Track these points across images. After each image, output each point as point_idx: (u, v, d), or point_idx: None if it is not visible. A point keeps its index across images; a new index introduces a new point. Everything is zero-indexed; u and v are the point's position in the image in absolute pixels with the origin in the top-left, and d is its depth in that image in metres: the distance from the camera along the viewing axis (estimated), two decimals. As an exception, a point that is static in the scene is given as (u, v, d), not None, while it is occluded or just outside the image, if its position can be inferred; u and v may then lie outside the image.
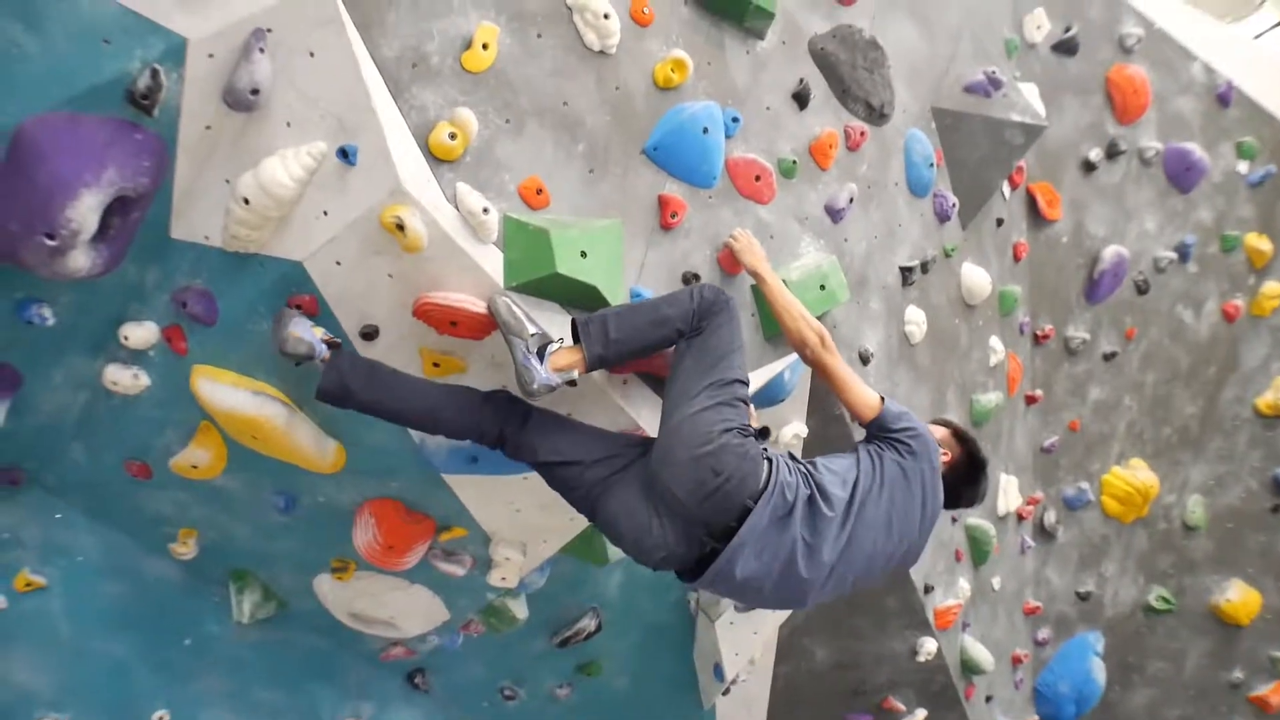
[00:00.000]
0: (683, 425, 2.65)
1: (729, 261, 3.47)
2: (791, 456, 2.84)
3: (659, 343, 2.85)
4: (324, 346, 2.86)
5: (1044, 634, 6.55)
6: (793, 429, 4.07)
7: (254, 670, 4.11)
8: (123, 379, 3.24)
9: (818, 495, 2.66)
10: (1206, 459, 6.98)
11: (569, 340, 2.87)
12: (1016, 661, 6.21)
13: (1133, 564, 6.98)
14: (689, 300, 2.83)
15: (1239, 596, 7.05)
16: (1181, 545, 7.07)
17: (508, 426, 2.97)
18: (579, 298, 3.02)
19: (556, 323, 2.97)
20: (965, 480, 3.00)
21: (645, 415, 3.30)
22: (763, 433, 2.91)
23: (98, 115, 2.62)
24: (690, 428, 2.64)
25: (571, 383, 2.80)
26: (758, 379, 3.63)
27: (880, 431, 2.87)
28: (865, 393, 2.92)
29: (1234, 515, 7.07)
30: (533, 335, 2.75)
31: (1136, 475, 6.66)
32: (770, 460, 2.68)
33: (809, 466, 2.78)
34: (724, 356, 2.78)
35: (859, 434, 3.08)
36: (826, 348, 2.95)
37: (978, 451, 3.03)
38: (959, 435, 3.06)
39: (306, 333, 2.83)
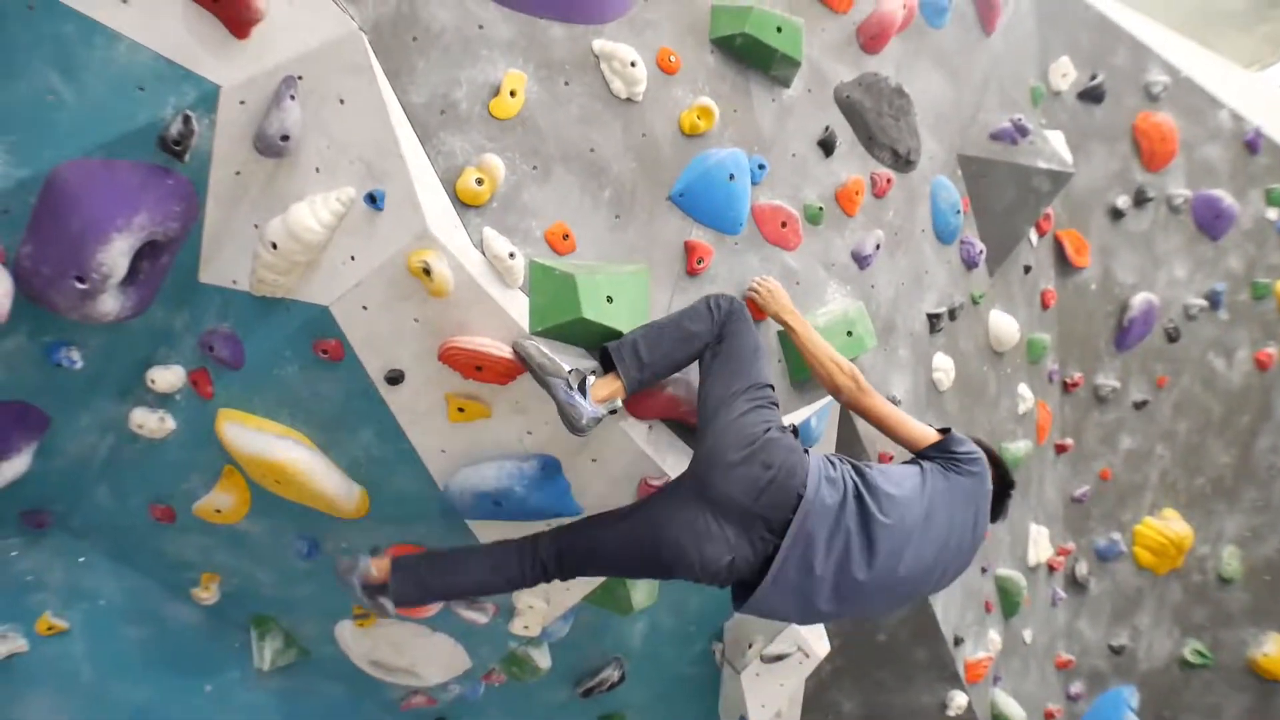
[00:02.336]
0: (728, 430, 2.75)
1: (755, 309, 3.46)
2: (834, 455, 2.93)
3: (688, 358, 2.95)
4: (366, 559, 3.16)
5: (1077, 688, 6.40)
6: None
7: (274, 718, 4.06)
8: (149, 422, 3.25)
9: (867, 494, 2.74)
10: (1241, 509, 6.84)
11: (600, 370, 2.92)
12: (1049, 717, 6.07)
13: (1167, 617, 6.83)
14: (709, 312, 2.94)
15: (1277, 650, 6.88)
16: (1217, 598, 6.91)
17: (551, 552, 3.06)
18: (604, 343, 3.01)
19: (581, 367, 2.96)
20: (996, 500, 3.07)
21: (670, 461, 3.28)
22: (794, 431, 2.95)
23: (130, 160, 2.65)
24: (735, 431, 2.74)
25: (613, 411, 2.84)
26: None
27: (942, 454, 2.93)
28: (919, 427, 3.01)
29: (1270, 567, 6.92)
30: (571, 372, 2.78)
31: (1170, 526, 6.53)
32: (808, 453, 2.79)
33: (859, 464, 2.87)
34: (750, 361, 2.88)
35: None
36: (862, 389, 3.03)
37: (1008, 474, 3.12)
38: (991, 457, 3.12)
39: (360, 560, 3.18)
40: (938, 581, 2.93)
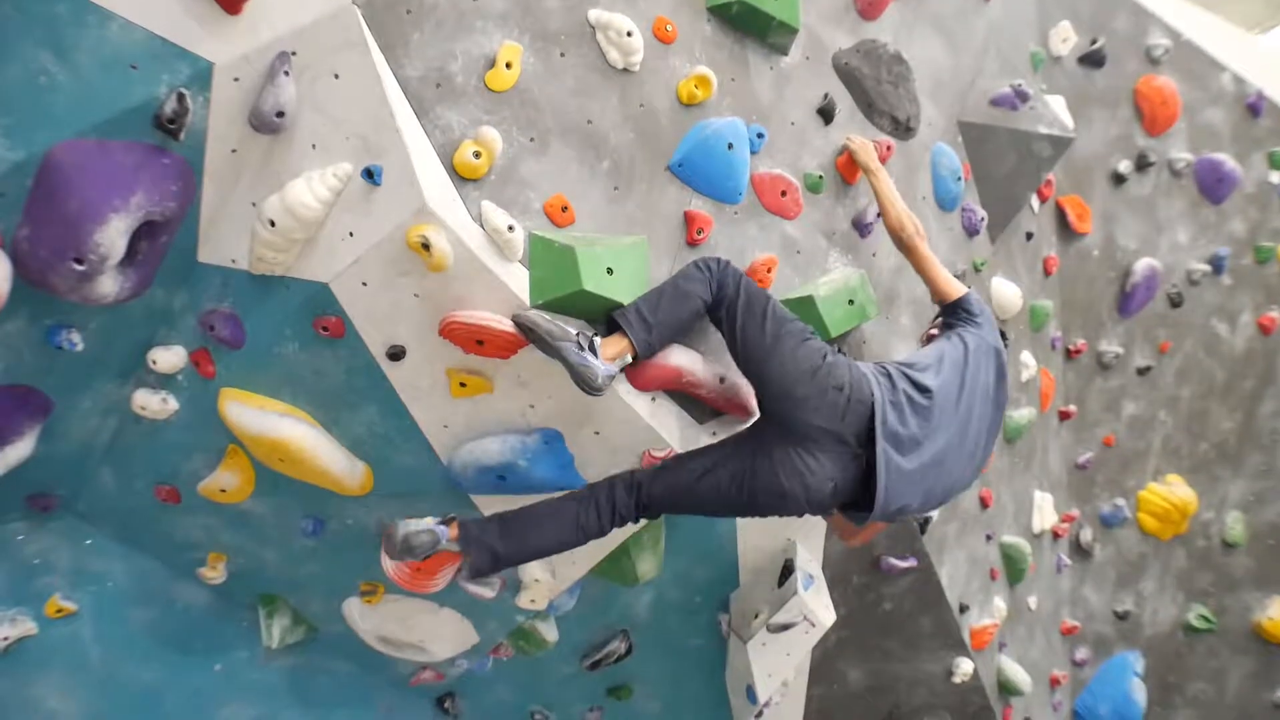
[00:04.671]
0: (786, 367, 2.87)
1: (847, 167, 3.72)
2: (876, 365, 3.09)
3: (691, 316, 3.00)
4: (444, 527, 3.00)
5: (1082, 654, 6.43)
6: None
7: (284, 696, 4.09)
8: (151, 403, 3.26)
9: (915, 390, 2.96)
10: (1245, 474, 6.84)
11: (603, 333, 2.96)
12: (1055, 683, 6.10)
13: (1171, 582, 6.84)
14: (700, 271, 3.00)
15: (1281, 614, 6.91)
16: (1221, 562, 6.92)
17: (633, 499, 3.11)
18: (604, 315, 3.01)
19: (585, 330, 2.98)
20: None
21: (673, 432, 3.28)
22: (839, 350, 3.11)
23: (125, 140, 2.64)
24: (794, 366, 2.86)
25: (624, 368, 2.88)
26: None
27: (963, 310, 3.29)
28: (951, 282, 3.38)
29: (1275, 532, 6.92)
30: (579, 334, 2.78)
31: (1174, 491, 6.53)
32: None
33: (897, 366, 3.05)
34: (772, 306, 2.97)
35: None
36: (920, 235, 3.45)
37: (1002, 333, 3.46)
38: None
39: (418, 524, 2.98)
40: (993, 430, 3.23)
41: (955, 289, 3.35)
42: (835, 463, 2.90)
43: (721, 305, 2.98)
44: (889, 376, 2.97)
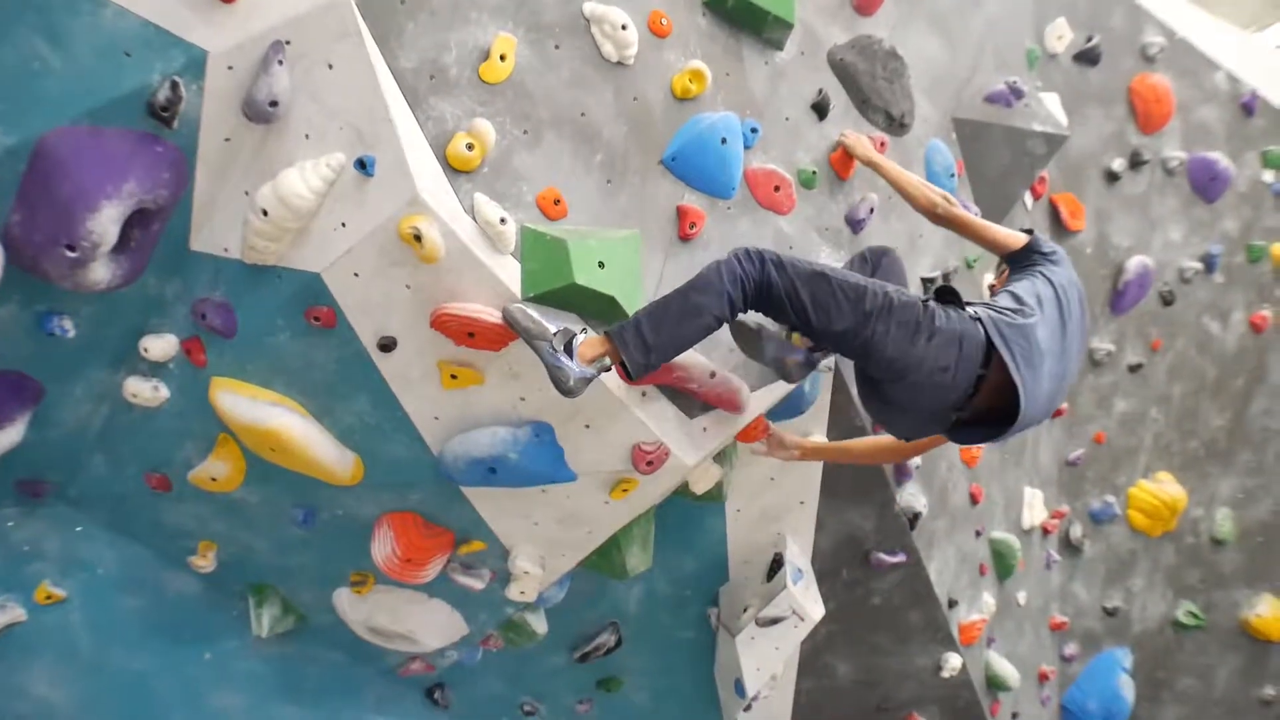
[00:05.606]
0: (887, 353, 2.72)
1: (841, 163, 3.70)
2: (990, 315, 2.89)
3: (699, 333, 2.78)
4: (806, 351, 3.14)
5: (1071, 650, 6.45)
6: (814, 440, 4.03)
7: (273, 685, 4.09)
8: (143, 391, 3.26)
9: (1031, 335, 2.82)
10: (1235, 472, 6.87)
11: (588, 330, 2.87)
12: (1043, 678, 6.12)
13: (1160, 578, 6.87)
14: (718, 279, 2.74)
15: (1270, 611, 6.92)
16: (1210, 559, 6.95)
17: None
18: (597, 309, 3.01)
19: (570, 327, 2.96)
20: None
21: (667, 429, 3.28)
22: (946, 293, 2.94)
23: (119, 128, 2.64)
24: (894, 351, 2.71)
25: (605, 369, 2.77)
26: (777, 392, 3.60)
27: (1036, 253, 3.14)
28: (1005, 232, 3.23)
29: (1264, 529, 6.95)
30: (556, 334, 2.73)
31: (1164, 488, 6.56)
32: (977, 317, 2.81)
33: (1011, 313, 2.88)
34: (835, 284, 2.76)
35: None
36: (952, 204, 3.29)
37: None
38: None
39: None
40: (1084, 356, 3.24)
41: (1017, 237, 3.18)
42: (936, 418, 2.88)
43: (786, 304, 2.77)
44: (1009, 328, 2.79)
